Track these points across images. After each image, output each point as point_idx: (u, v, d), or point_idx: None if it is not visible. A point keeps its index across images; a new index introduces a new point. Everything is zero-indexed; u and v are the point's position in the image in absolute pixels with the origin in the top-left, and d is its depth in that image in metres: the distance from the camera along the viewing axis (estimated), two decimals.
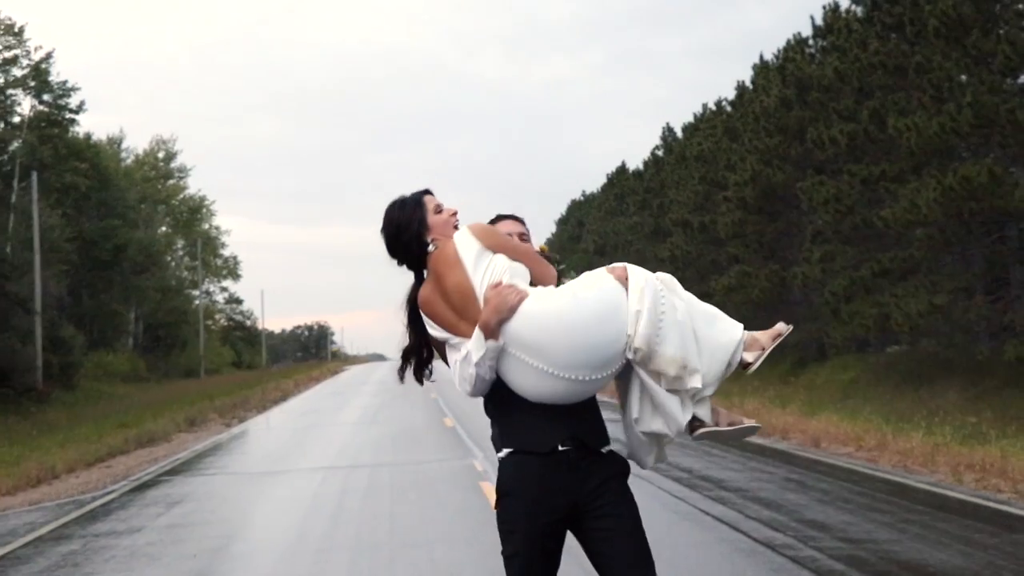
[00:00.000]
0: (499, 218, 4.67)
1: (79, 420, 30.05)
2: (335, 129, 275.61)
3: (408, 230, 4.43)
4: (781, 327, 4.50)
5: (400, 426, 24.64)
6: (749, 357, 4.37)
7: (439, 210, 4.46)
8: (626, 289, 4.19)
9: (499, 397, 4.29)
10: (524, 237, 4.61)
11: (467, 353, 4.21)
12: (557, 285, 4.33)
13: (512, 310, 4.09)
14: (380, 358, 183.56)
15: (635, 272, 4.25)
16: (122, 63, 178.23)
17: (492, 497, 12.66)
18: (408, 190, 4.54)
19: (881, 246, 27.24)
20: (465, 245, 4.23)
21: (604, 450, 4.31)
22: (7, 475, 17.42)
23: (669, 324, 4.14)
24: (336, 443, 21.38)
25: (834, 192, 28.29)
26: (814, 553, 9.17)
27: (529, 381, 4.14)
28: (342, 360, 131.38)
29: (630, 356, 4.15)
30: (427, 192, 4.54)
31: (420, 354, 4.64)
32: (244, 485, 15.98)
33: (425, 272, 4.42)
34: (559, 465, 4.19)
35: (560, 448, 4.19)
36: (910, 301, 24.62)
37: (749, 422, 4.42)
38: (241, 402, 36.30)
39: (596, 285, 4.19)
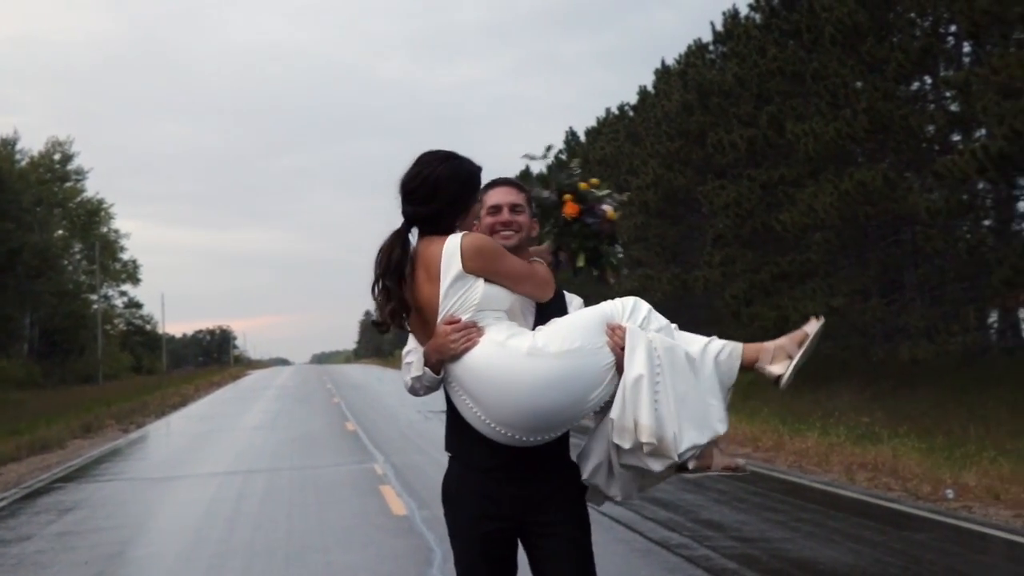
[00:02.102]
0: (492, 184, 4.27)
1: None
2: (239, 131, 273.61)
3: (452, 203, 4.03)
4: (811, 326, 4.09)
5: (301, 430, 24.44)
6: (777, 369, 3.98)
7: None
8: (616, 358, 3.84)
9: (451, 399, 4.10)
10: (517, 208, 4.21)
11: (411, 362, 4.10)
12: (555, 309, 4.12)
13: (453, 358, 3.90)
14: (283, 362, 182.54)
15: (637, 348, 3.82)
16: (18, 63, 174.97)
17: (391, 501, 12.63)
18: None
19: (780, 249, 27.60)
20: (448, 262, 3.91)
21: (558, 462, 4.09)
22: None
23: (662, 404, 3.77)
24: (235, 448, 21.15)
25: (734, 196, 28.61)
26: (708, 552, 9.25)
27: (469, 418, 3.95)
28: (244, 365, 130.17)
29: (621, 444, 3.81)
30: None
31: (404, 308, 4.06)
32: (140, 491, 15.73)
33: (415, 237, 4.08)
34: (502, 478, 4.01)
35: (506, 461, 3.99)
36: (808, 303, 24.99)
37: (740, 464, 4.07)
38: (139, 408, 35.77)
39: (569, 346, 3.81)
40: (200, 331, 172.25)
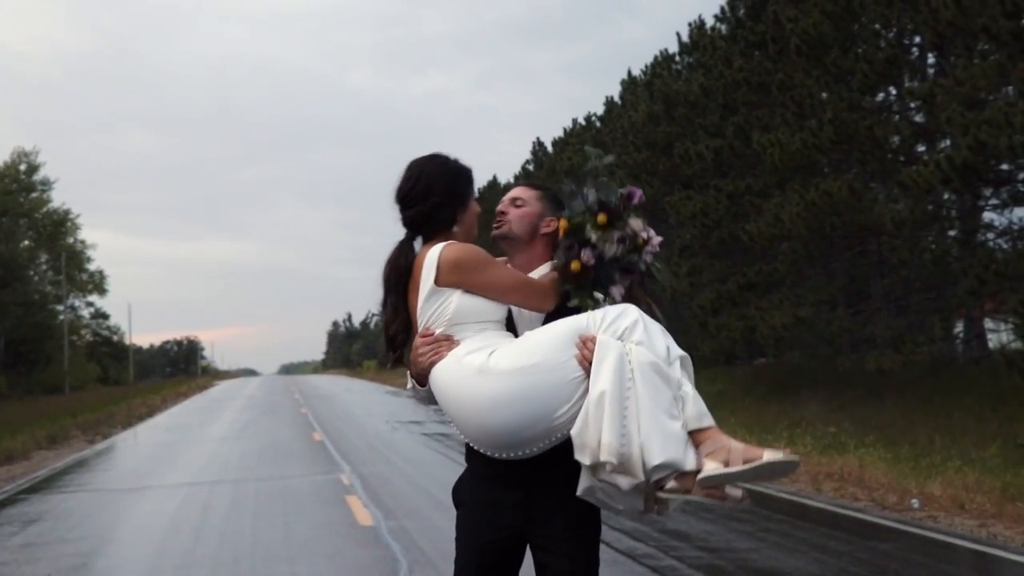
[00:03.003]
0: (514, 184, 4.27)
1: None
2: (206, 142, 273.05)
3: (448, 195, 3.98)
4: (774, 454, 3.43)
5: (267, 441, 24.34)
6: (704, 465, 3.50)
7: (473, 197, 4.11)
8: (585, 372, 3.60)
9: None
10: (516, 201, 4.11)
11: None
12: (580, 269, 3.88)
13: (423, 369, 3.86)
14: (251, 373, 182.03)
15: (604, 361, 3.56)
16: None
17: (357, 511, 12.58)
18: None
19: (747, 260, 27.70)
20: (425, 275, 3.87)
21: (559, 471, 3.80)
22: None
23: (631, 421, 3.50)
24: (201, 459, 21.04)
25: (701, 206, 28.68)
26: (674, 563, 9.26)
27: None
28: (212, 375, 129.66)
29: (581, 460, 3.57)
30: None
31: (406, 330, 4.04)
32: (105, 502, 15.62)
33: (418, 240, 4.02)
34: (503, 486, 3.93)
35: (505, 471, 3.87)
36: (775, 314, 25.07)
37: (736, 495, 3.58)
38: (105, 418, 35.59)
39: (525, 363, 3.63)
40: (167, 342, 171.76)
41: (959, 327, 25.74)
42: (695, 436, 3.56)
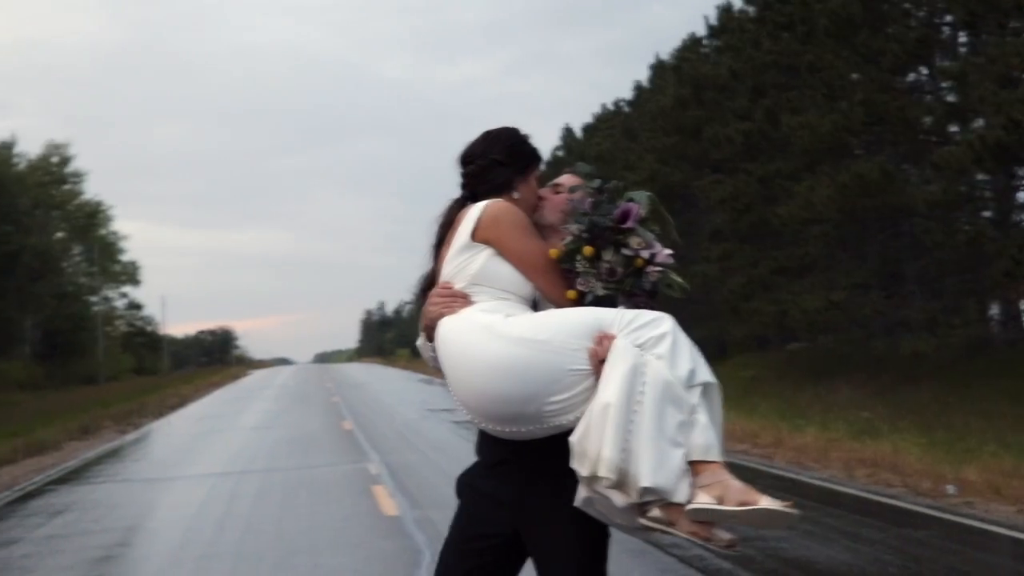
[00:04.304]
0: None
1: None
2: (239, 132, 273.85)
3: (508, 156, 3.89)
4: (772, 503, 3.23)
5: (297, 430, 24.28)
6: (696, 497, 3.28)
7: (538, 178, 3.97)
8: (593, 369, 3.39)
9: None
10: (558, 189, 3.93)
11: None
12: (577, 297, 3.64)
13: (431, 321, 3.70)
14: (285, 362, 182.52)
15: (615, 369, 3.34)
16: (17, 67, 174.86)
17: (383, 501, 12.47)
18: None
19: (778, 244, 27.49)
20: (463, 227, 3.74)
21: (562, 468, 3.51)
22: None
23: (633, 437, 3.28)
24: (230, 448, 21.00)
25: (731, 191, 28.50)
26: (702, 552, 9.08)
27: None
28: (246, 364, 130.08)
29: (578, 470, 3.38)
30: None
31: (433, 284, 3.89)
32: (132, 493, 15.58)
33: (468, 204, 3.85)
34: (502, 476, 3.75)
35: (507, 460, 3.73)
36: (807, 298, 24.87)
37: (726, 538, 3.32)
38: (137, 408, 35.61)
39: (533, 335, 3.43)
40: (202, 331, 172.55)
41: (994, 309, 25.42)
42: (695, 467, 3.34)
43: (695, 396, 3.41)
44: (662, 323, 3.49)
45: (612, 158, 40.32)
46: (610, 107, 47.56)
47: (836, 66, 24.37)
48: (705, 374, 3.47)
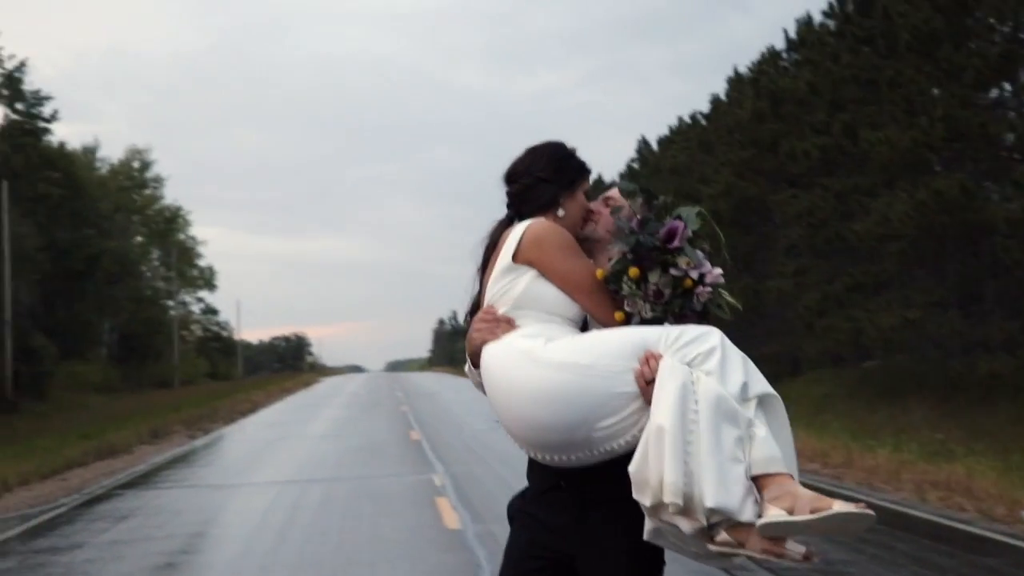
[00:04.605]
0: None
1: (47, 431, 29.66)
2: (316, 139, 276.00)
3: (554, 172, 3.72)
4: (845, 506, 3.02)
5: (365, 439, 24.29)
6: (765, 512, 3.12)
7: (586, 194, 3.79)
8: (642, 392, 3.24)
9: None
10: (609, 202, 3.75)
11: None
12: (625, 319, 3.49)
13: (475, 347, 3.57)
14: (357, 369, 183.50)
15: (664, 390, 3.19)
16: (104, 73, 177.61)
17: (446, 514, 12.39)
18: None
19: (854, 260, 27.12)
20: (506, 249, 3.61)
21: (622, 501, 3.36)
22: None
23: (692, 459, 3.14)
24: (297, 457, 21.05)
25: (807, 205, 28.19)
26: (766, 574, 8.90)
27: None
28: (318, 371, 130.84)
29: (641, 501, 3.22)
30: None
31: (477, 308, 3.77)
32: (198, 498, 15.64)
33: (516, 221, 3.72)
34: (554, 504, 3.58)
35: (558, 486, 3.56)
36: (883, 315, 24.51)
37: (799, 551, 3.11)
38: (208, 413, 35.87)
39: (577, 359, 3.29)
40: (276, 337, 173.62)
41: None
42: (760, 481, 3.17)
43: (751, 409, 3.25)
44: (709, 338, 3.34)
45: (688, 171, 40.09)
46: (686, 120, 47.30)
47: (917, 81, 24.00)
48: (759, 386, 3.30)
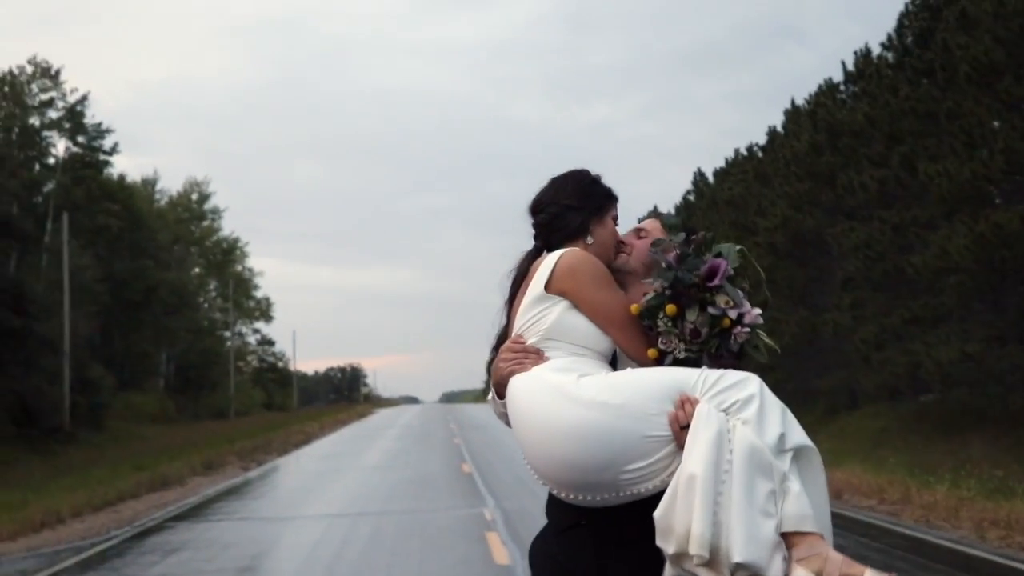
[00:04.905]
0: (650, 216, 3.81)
1: (102, 462, 29.82)
2: (372, 172, 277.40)
3: (581, 199, 3.64)
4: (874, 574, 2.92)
5: (417, 472, 24.23)
6: (795, 571, 3.03)
7: (615, 220, 3.72)
8: (675, 436, 3.14)
9: None
10: (641, 234, 3.68)
11: None
12: (658, 356, 3.38)
13: (501, 378, 3.46)
14: (412, 400, 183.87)
15: (699, 437, 3.08)
16: (162, 106, 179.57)
17: (496, 549, 12.27)
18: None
19: (912, 293, 26.75)
20: (538, 278, 3.49)
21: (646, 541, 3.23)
22: (11, 520, 17.11)
23: (723, 510, 3.04)
24: (349, 489, 21.01)
25: (864, 238, 27.88)
26: None
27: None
28: (373, 403, 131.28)
29: (664, 548, 3.10)
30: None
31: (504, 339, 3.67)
32: (248, 532, 15.61)
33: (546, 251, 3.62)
34: (574, 543, 3.43)
35: (579, 524, 3.41)
36: (941, 349, 24.16)
37: None
38: (263, 445, 36.00)
39: (609, 399, 3.18)
40: (331, 368, 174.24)
41: None
42: (790, 539, 3.06)
43: (786, 462, 3.13)
44: (748, 384, 3.22)
45: (744, 203, 39.86)
46: (743, 152, 47.07)
47: (976, 113, 23.69)
48: (797, 437, 3.19)
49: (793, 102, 40.35)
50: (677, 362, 3.36)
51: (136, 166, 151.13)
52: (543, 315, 3.45)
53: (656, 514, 3.10)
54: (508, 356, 3.46)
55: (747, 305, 3.44)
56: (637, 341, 3.45)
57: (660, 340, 3.40)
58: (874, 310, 28.70)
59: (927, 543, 12.78)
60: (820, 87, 36.84)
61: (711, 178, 50.80)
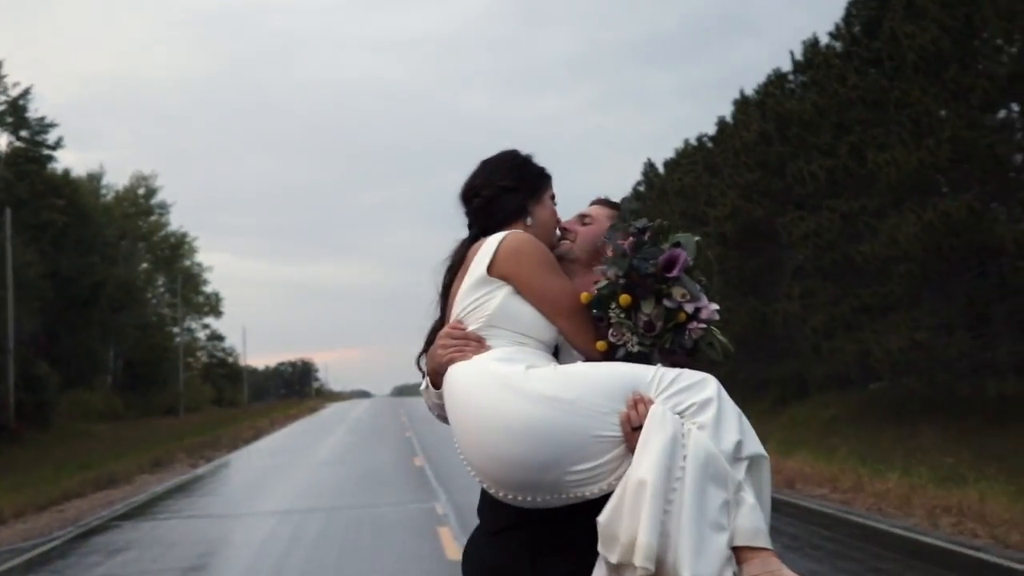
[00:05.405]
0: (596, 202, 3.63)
1: (48, 461, 29.40)
2: (323, 165, 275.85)
3: (517, 180, 3.46)
4: None
5: (367, 466, 24.05)
6: None
7: (553, 199, 3.54)
8: (625, 437, 2.96)
9: None
10: (585, 220, 3.53)
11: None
12: (608, 349, 3.19)
13: (439, 366, 3.25)
14: (364, 395, 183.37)
15: (651, 441, 2.91)
16: (108, 100, 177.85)
17: (447, 544, 12.14)
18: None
19: (861, 282, 26.84)
20: (478, 260, 3.29)
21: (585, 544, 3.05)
22: None
23: (671, 520, 2.86)
24: (298, 485, 20.80)
25: (814, 227, 27.96)
26: None
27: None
28: (324, 397, 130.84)
29: (606, 557, 2.93)
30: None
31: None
32: (195, 530, 15.37)
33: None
34: (507, 546, 3.25)
35: (515, 526, 3.22)
36: (891, 337, 24.24)
37: None
38: (212, 442, 35.64)
39: (557, 393, 2.98)
40: (282, 363, 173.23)
41: None
42: (741, 553, 2.89)
43: (741, 471, 2.96)
44: (706, 387, 3.05)
45: (694, 193, 39.89)
46: (693, 142, 47.14)
47: (924, 102, 23.77)
48: (753, 445, 3.02)
49: (742, 92, 40.43)
50: (629, 356, 3.17)
51: (82, 161, 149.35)
52: (486, 300, 3.25)
53: (600, 519, 2.92)
54: (447, 343, 3.25)
55: (704, 300, 3.26)
56: (584, 332, 3.26)
57: (611, 332, 3.21)
58: (824, 299, 28.78)
59: (880, 531, 12.75)
60: (769, 77, 36.92)
61: (661, 169, 50.86)
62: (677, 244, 3.28)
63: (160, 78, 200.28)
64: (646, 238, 3.27)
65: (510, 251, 3.25)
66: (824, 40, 33.10)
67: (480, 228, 3.45)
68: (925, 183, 23.71)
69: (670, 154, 50.31)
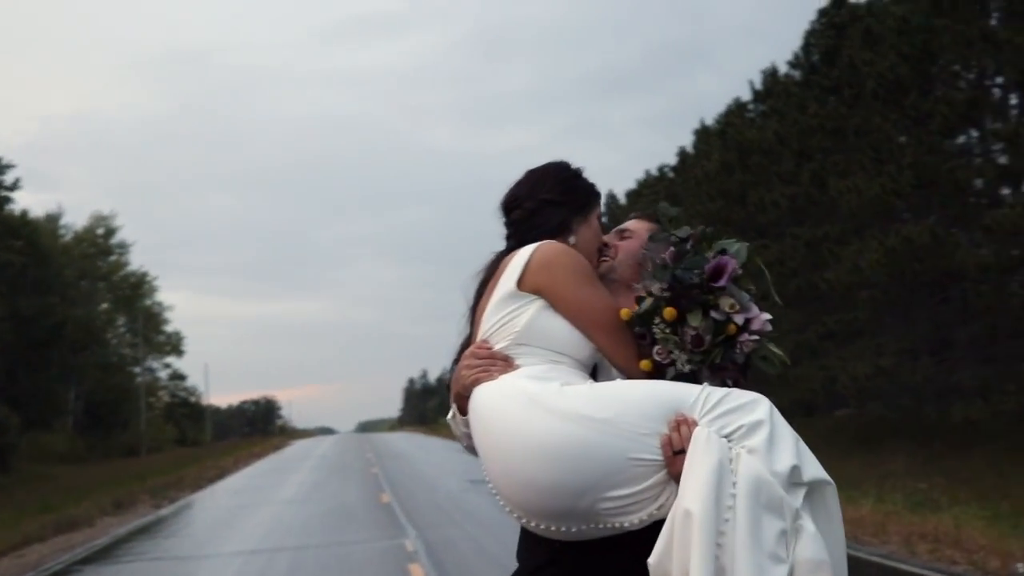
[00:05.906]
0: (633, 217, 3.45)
1: (7, 504, 28.97)
2: (284, 202, 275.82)
3: (563, 194, 3.24)
4: None
5: (334, 503, 23.78)
6: None
7: (599, 218, 3.33)
8: (667, 462, 2.77)
9: None
10: (625, 235, 3.33)
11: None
12: (653, 368, 3.00)
13: (464, 388, 3.04)
14: (328, 431, 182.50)
15: (697, 467, 2.72)
16: (67, 141, 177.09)
17: None
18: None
19: (826, 308, 26.90)
20: (508, 274, 3.08)
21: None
22: None
23: (725, 552, 2.66)
24: (264, 524, 20.53)
25: (777, 255, 27.98)
26: None
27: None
28: (288, 434, 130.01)
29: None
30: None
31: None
32: (158, 573, 15.15)
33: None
34: None
35: (551, 563, 3.02)
36: (856, 364, 24.30)
37: None
38: (175, 481, 35.25)
39: (593, 412, 2.78)
40: (245, 401, 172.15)
41: None
42: None
43: (799, 498, 2.76)
44: (756, 408, 2.87)
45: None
46: (654, 173, 47.27)
47: (884, 129, 23.91)
48: (812, 469, 2.83)
49: (703, 122, 40.61)
50: (679, 376, 2.97)
51: (40, 202, 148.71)
52: (514, 316, 3.04)
53: (651, 561, 2.73)
54: (472, 363, 3.04)
55: (755, 310, 3.09)
56: (625, 348, 3.06)
57: (656, 350, 3.01)
58: (788, 326, 28.79)
59: (858, 560, 12.65)
60: (729, 107, 37.11)
61: (623, 199, 50.96)
62: (723, 251, 3.10)
63: (119, 118, 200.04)
64: (688, 247, 3.10)
65: (543, 262, 3.05)
66: (783, 69, 33.31)
67: (517, 241, 3.22)
68: (887, 209, 23.80)
69: (632, 185, 50.47)
